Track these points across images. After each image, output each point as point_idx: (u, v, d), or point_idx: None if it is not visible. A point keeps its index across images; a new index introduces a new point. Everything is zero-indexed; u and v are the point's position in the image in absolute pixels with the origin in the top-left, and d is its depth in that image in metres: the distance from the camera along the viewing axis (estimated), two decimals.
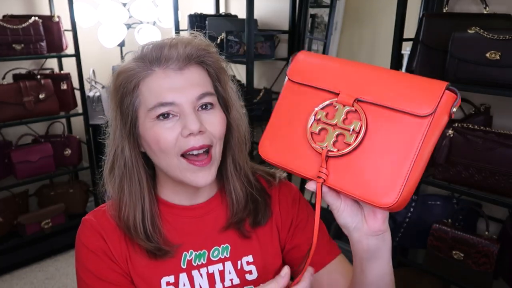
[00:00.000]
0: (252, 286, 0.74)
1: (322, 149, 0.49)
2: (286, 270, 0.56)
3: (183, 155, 0.66)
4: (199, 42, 0.69)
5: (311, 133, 0.51)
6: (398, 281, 1.88)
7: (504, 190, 1.32)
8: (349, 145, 0.48)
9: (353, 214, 0.55)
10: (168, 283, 0.70)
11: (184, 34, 0.71)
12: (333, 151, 0.49)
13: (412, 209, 1.63)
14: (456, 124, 1.41)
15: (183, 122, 0.64)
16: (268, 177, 0.81)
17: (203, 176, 0.67)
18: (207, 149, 0.67)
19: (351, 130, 0.48)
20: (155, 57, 0.66)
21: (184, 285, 0.71)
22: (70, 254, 2.47)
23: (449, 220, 1.54)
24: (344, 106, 0.49)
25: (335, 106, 0.49)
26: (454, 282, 1.54)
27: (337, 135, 0.49)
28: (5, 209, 2.24)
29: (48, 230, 2.34)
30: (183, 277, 0.71)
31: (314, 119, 0.51)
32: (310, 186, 0.53)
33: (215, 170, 0.69)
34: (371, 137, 0.47)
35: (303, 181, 0.53)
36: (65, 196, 2.47)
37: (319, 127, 0.50)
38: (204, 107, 0.67)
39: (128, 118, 0.68)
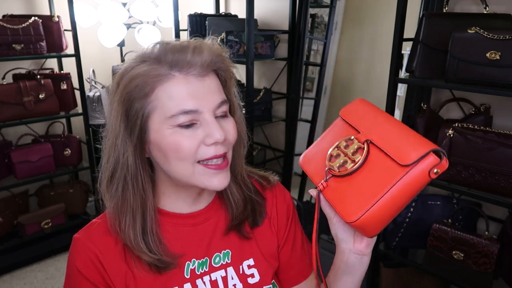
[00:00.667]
0: None
1: (329, 168, 0.63)
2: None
3: (199, 161, 0.65)
4: (217, 49, 0.67)
5: (330, 154, 0.64)
6: (398, 281, 1.90)
7: (504, 190, 1.32)
8: (346, 170, 0.60)
9: (344, 229, 0.65)
10: None
11: (205, 40, 0.68)
12: (335, 171, 0.62)
13: (412, 209, 1.63)
14: (456, 124, 1.41)
15: (205, 130, 0.63)
16: (262, 181, 0.82)
17: (221, 179, 0.66)
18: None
19: (354, 160, 0.60)
20: (175, 61, 0.62)
21: None
22: None
23: (449, 220, 1.54)
24: (358, 142, 0.62)
25: (353, 140, 0.63)
26: (454, 282, 1.54)
27: (344, 161, 0.62)
28: (5, 209, 2.24)
29: (48, 230, 2.34)
30: (187, 287, 0.70)
31: (336, 145, 0.65)
32: (312, 192, 0.66)
33: (229, 173, 0.69)
34: (363, 170, 0.59)
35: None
36: (65, 196, 2.47)
37: (336, 152, 0.64)
38: (221, 114, 0.66)
39: (137, 124, 0.64)
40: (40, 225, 2.31)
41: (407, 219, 1.64)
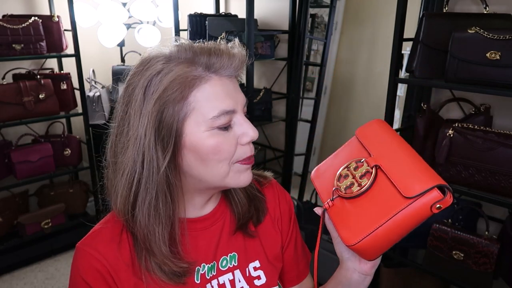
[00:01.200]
0: None
1: (337, 188, 0.63)
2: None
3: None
4: (244, 54, 0.67)
5: (340, 174, 0.65)
6: (398, 281, 1.90)
7: (504, 190, 1.32)
8: (352, 193, 0.61)
9: (348, 248, 0.63)
10: None
11: (234, 44, 0.67)
12: (342, 192, 0.62)
13: None
14: (456, 124, 1.41)
15: (239, 129, 0.64)
16: (259, 178, 0.83)
17: (249, 175, 0.68)
18: None
19: (360, 184, 0.61)
20: (211, 64, 0.62)
21: None
22: (70, 254, 2.47)
23: (449, 220, 1.54)
24: (367, 165, 0.62)
25: (363, 163, 0.63)
26: (454, 282, 1.54)
27: (351, 184, 0.62)
28: (5, 209, 2.24)
29: (48, 230, 2.34)
30: None
31: (346, 165, 0.65)
32: (318, 210, 0.67)
33: None
34: (369, 194, 0.60)
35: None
36: (65, 196, 2.47)
37: (345, 173, 0.65)
38: (244, 114, 0.68)
39: (173, 129, 0.61)
40: (40, 225, 2.31)
41: None
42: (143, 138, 0.61)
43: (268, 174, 0.85)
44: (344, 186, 0.63)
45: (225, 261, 0.74)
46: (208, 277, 0.71)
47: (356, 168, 0.64)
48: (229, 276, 0.73)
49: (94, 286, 0.65)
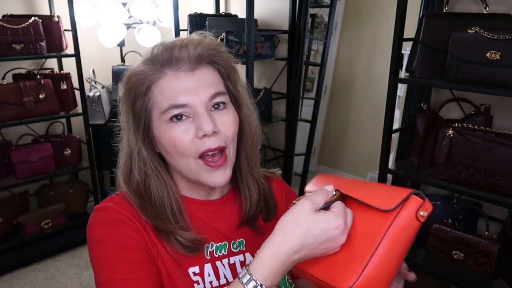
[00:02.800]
0: None
1: None
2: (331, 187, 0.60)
3: (201, 157, 0.66)
4: (209, 42, 0.69)
5: None
6: None
7: (504, 190, 1.32)
8: None
9: None
10: (194, 273, 0.70)
11: (194, 35, 0.70)
12: None
13: None
14: (456, 124, 1.41)
15: (196, 123, 0.65)
16: (267, 174, 0.86)
17: (218, 176, 0.68)
18: (222, 150, 0.68)
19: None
20: (165, 59, 0.66)
21: (209, 275, 0.72)
22: (70, 254, 2.47)
23: (449, 220, 1.54)
24: (334, 193, 0.57)
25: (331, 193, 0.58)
26: (454, 282, 1.54)
27: None
28: (5, 209, 2.24)
29: (48, 230, 2.34)
30: (207, 267, 0.72)
31: None
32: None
33: (230, 170, 0.70)
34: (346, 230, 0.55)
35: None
36: (65, 196, 2.47)
37: None
38: (216, 106, 0.67)
39: (141, 121, 0.68)
40: (40, 225, 2.31)
41: None
42: (126, 127, 0.70)
43: (277, 171, 0.88)
44: None
45: (235, 244, 0.76)
46: (216, 255, 0.73)
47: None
48: (240, 257, 0.76)
49: (127, 222, 0.66)
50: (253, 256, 0.75)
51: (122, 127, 0.72)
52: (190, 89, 0.65)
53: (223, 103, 0.68)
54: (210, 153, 0.66)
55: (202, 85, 0.66)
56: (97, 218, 0.68)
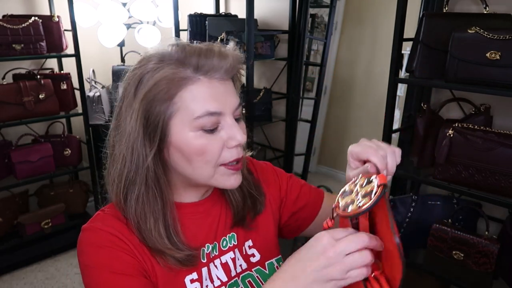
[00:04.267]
0: (259, 267, 0.78)
1: (336, 205, 0.59)
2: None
3: (222, 163, 0.67)
4: (239, 55, 0.68)
5: (344, 189, 0.61)
6: None
7: (504, 190, 1.32)
8: (347, 213, 0.54)
9: None
10: (192, 280, 0.70)
11: (230, 45, 0.68)
12: (339, 210, 0.57)
13: (412, 209, 1.63)
14: (456, 124, 1.41)
15: (227, 132, 0.65)
16: (249, 166, 0.85)
17: (236, 179, 0.69)
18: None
19: (359, 204, 0.53)
20: (201, 65, 0.63)
21: (206, 279, 0.72)
22: (70, 254, 2.47)
23: (449, 220, 1.54)
24: (375, 183, 0.53)
25: (372, 181, 0.55)
26: (454, 282, 1.54)
27: (352, 201, 0.55)
28: (5, 209, 2.24)
29: (48, 230, 2.34)
30: (204, 271, 0.72)
31: (353, 181, 0.60)
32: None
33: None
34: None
35: None
36: (65, 196, 2.47)
37: (350, 189, 0.59)
38: (236, 117, 0.68)
39: (158, 127, 0.63)
40: (40, 225, 2.31)
41: (407, 219, 1.64)
42: (132, 132, 0.63)
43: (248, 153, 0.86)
44: (344, 204, 0.56)
45: (225, 242, 0.76)
46: (211, 257, 0.74)
47: (362, 186, 0.56)
48: (230, 255, 0.76)
49: (117, 243, 0.64)
50: (240, 251, 0.77)
51: (122, 132, 0.65)
52: (222, 98, 0.64)
53: (240, 114, 0.69)
54: (235, 162, 0.67)
55: (231, 95, 0.66)
56: (86, 240, 0.66)
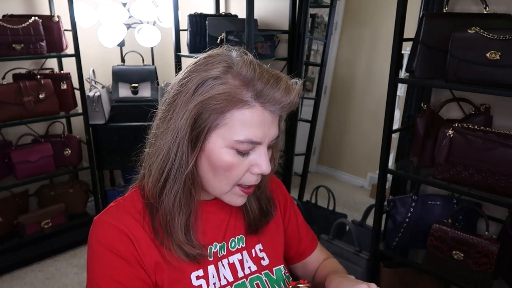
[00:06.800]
0: (267, 271, 0.79)
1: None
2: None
3: (239, 184, 0.69)
4: (300, 93, 0.67)
5: None
6: (398, 281, 1.90)
7: (504, 190, 1.32)
8: None
9: None
10: (197, 277, 0.71)
11: (294, 80, 0.66)
12: None
13: (412, 209, 1.63)
14: (456, 124, 1.41)
15: (256, 159, 0.67)
16: None
17: (242, 200, 0.72)
18: None
19: None
20: (263, 93, 0.62)
21: (213, 277, 0.72)
22: (70, 254, 2.47)
23: (449, 220, 1.54)
24: None
25: None
26: (454, 282, 1.54)
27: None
28: (5, 209, 2.24)
29: (48, 230, 2.34)
30: (211, 269, 0.73)
31: None
32: None
33: None
34: None
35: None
36: (65, 196, 2.48)
37: None
38: (270, 146, 0.69)
39: (203, 132, 0.64)
40: (40, 225, 2.31)
41: (407, 219, 1.64)
42: (181, 130, 0.64)
43: None
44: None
45: (233, 243, 0.78)
46: (219, 256, 0.75)
47: None
48: (238, 256, 0.77)
49: (121, 254, 0.66)
50: (249, 253, 0.78)
51: (169, 126, 0.66)
52: (266, 128, 0.65)
53: (275, 143, 0.70)
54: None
55: (273, 126, 0.67)
56: (96, 236, 0.68)
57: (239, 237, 0.78)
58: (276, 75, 0.65)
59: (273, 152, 0.73)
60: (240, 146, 0.64)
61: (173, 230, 0.68)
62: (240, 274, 0.76)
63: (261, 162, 0.67)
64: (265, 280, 0.78)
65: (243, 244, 0.79)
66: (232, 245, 0.77)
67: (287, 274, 0.82)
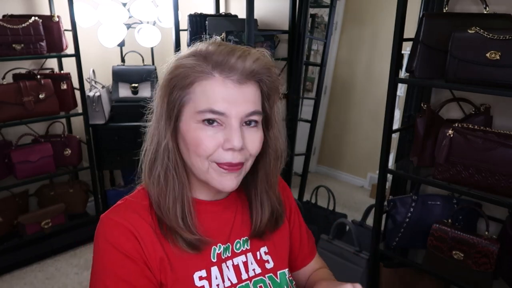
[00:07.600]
0: (271, 274, 0.79)
1: None
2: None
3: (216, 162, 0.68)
4: (266, 61, 0.68)
5: None
6: (398, 281, 1.91)
7: (504, 190, 1.32)
8: None
9: None
10: (200, 278, 0.71)
11: (254, 50, 0.68)
12: None
13: (412, 209, 1.63)
14: (456, 124, 1.41)
15: (227, 134, 0.65)
16: None
17: (229, 180, 0.68)
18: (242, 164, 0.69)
19: None
20: (219, 62, 0.64)
21: (216, 278, 0.72)
22: (70, 254, 2.47)
23: (449, 220, 1.54)
24: None
25: None
26: (454, 282, 1.54)
27: None
28: (5, 209, 2.24)
29: (48, 230, 2.34)
30: (214, 270, 0.72)
31: None
32: None
33: (241, 178, 0.71)
34: None
35: None
36: (65, 196, 2.47)
37: None
38: (248, 123, 0.67)
39: (173, 111, 0.67)
40: (40, 225, 2.31)
41: (407, 219, 1.64)
42: (158, 115, 0.69)
43: None
44: None
45: (238, 244, 0.77)
46: (223, 257, 0.74)
47: None
48: (242, 258, 0.77)
49: (127, 253, 0.66)
50: (254, 255, 0.78)
51: (153, 110, 0.71)
52: (232, 100, 0.64)
53: (256, 121, 0.68)
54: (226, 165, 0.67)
55: (244, 100, 0.66)
56: (103, 234, 0.68)
57: (244, 238, 0.78)
58: (236, 46, 0.67)
59: (266, 135, 0.73)
60: (203, 117, 0.65)
61: (165, 214, 0.68)
62: (244, 276, 0.76)
63: (231, 136, 0.64)
64: (269, 283, 0.78)
65: (248, 246, 0.78)
66: (237, 247, 0.77)
67: (290, 278, 0.82)
